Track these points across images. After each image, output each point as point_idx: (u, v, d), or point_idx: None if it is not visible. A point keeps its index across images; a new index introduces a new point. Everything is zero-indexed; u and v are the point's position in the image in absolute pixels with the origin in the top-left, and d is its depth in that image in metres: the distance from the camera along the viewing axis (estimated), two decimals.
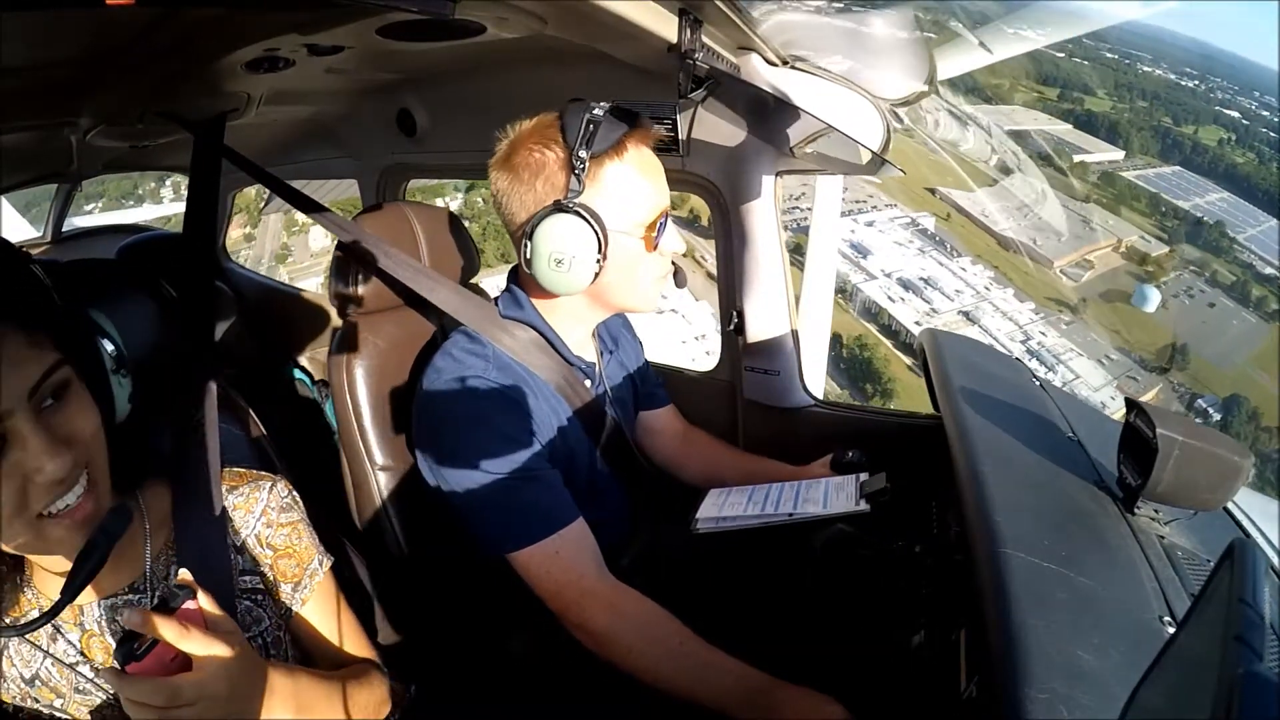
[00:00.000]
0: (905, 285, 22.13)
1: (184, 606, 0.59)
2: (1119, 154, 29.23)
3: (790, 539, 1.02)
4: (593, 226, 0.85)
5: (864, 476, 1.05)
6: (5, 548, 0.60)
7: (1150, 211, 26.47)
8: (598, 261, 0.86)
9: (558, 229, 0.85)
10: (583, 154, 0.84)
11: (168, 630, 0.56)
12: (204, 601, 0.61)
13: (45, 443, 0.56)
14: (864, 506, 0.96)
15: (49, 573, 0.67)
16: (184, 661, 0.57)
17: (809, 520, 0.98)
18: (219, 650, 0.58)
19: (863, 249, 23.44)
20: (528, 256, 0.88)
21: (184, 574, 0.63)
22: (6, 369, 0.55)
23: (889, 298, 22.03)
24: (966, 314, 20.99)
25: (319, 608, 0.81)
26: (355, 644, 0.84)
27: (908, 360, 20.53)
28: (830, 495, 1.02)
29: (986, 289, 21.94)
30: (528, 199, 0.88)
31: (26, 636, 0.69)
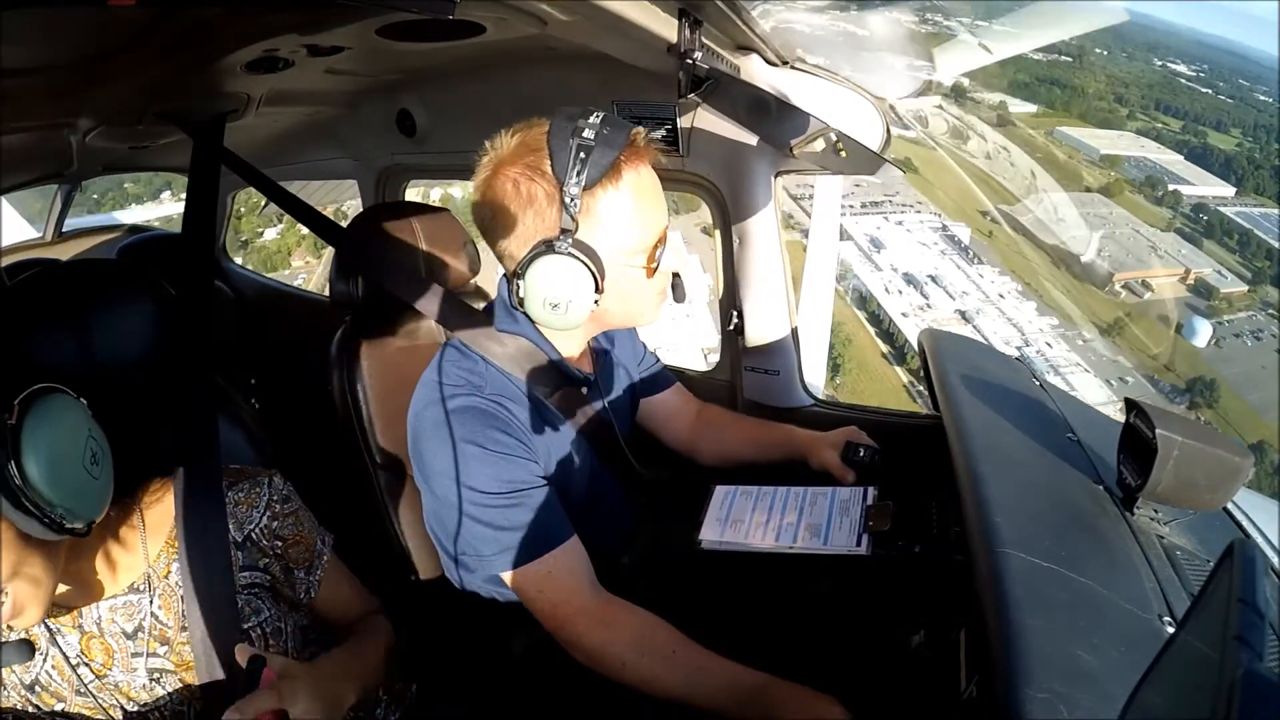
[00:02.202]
0: (909, 280, 21.99)
1: (265, 673, 0.64)
2: (1228, 190, 27.77)
3: (788, 567, 1.01)
4: (588, 266, 0.80)
5: (872, 497, 1.03)
6: None
7: (1239, 249, 25.21)
8: (595, 301, 0.82)
9: (550, 272, 0.80)
10: (574, 190, 0.78)
11: (267, 700, 0.62)
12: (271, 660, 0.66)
13: None
14: (863, 549, 0.94)
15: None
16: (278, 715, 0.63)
17: (808, 554, 0.97)
18: (305, 695, 0.65)
19: (879, 243, 23.25)
20: (520, 295, 0.83)
21: (243, 650, 0.66)
22: None
23: (885, 289, 21.78)
24: (963, 314, 20.77)
25: (331, 583, 0.85)
26: (362, 604, 0.90)
27: (885, 348, 20.31)
28: (834, 520, 1.00)
29: (1000, 296, 21.53)
30: (516, 233, 0.83)
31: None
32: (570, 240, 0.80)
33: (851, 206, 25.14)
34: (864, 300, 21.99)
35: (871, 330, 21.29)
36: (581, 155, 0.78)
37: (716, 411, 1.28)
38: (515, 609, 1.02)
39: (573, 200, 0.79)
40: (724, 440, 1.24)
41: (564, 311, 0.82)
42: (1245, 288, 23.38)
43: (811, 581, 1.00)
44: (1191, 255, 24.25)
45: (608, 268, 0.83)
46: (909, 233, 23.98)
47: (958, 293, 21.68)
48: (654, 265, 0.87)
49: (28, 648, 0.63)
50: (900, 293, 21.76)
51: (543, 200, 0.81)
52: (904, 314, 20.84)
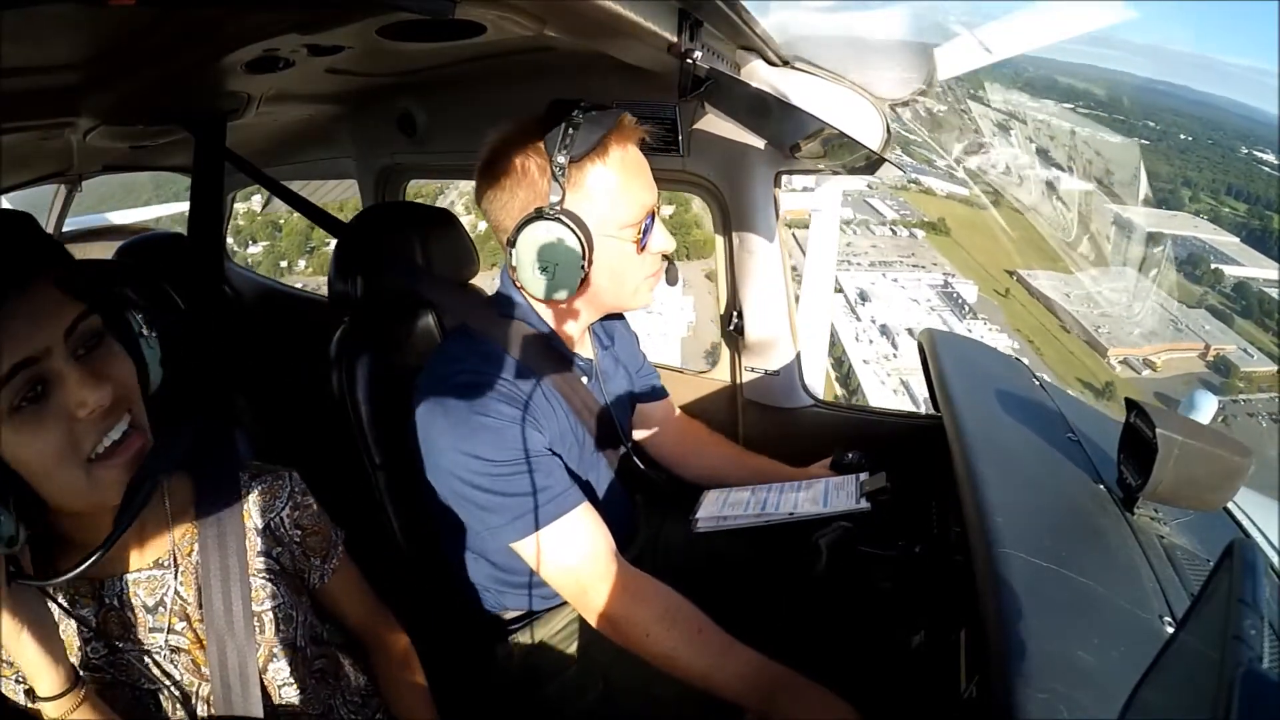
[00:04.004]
0: (884, 331, 21.91)
1: None
2: None
3: (791, 537, 1.02)
4: (575, 232, 0.84)
5: (864, 476, 1.05)
6: (59, 499, 0.62)
7: (1278, 329, 24.51)
8: (582, 267, 0.85)
9: (540, 237, 0.84)
10: (561, 160, 0.83)
11: None
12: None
13: (83, 376, 0.59)
14: (864, 505, 0.96)
15: (84, 539, 0.68)
16: None
17: (809, 519, 0.98)
18: None
19: (867, 296, 23.35)
20: (513, 264, 0.87)
21: None
22: (41, 315, 0.59)
23: (856, 337, 21.83)
24: None
25: (344, 572, 0.88)
26: (371, 600, 0.93)
27: (840, 390, 20.41)
28: (830, 494, 1.02)
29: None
30: (511, 207, 0.88)
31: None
32: (558, 208, 0.84)
33: (858, 264, 25.09)
34: (831, 346, 22.12)
35: (833, 374, 21.28)
36: (570, 131, 0.84)
37: (702, 430, 1.31)
38: (515, 608, 1.03)
39: (560, 169, 0.83)
40: (709, 459, 1.26)
41: (553, 276, 0.86)
42: (1274, 368, 22.49)
43: (808, 537, 1.00)
44: (1217, 332, 23.63)
45: (597, 240, 0.86)
46: (903, 289, 24.03)
47: None
48: (641, 239, 0.90)
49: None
50: (871, 342, 21.74)
51: (535, 173, 0.86)
52: (865, 360, 20.80)
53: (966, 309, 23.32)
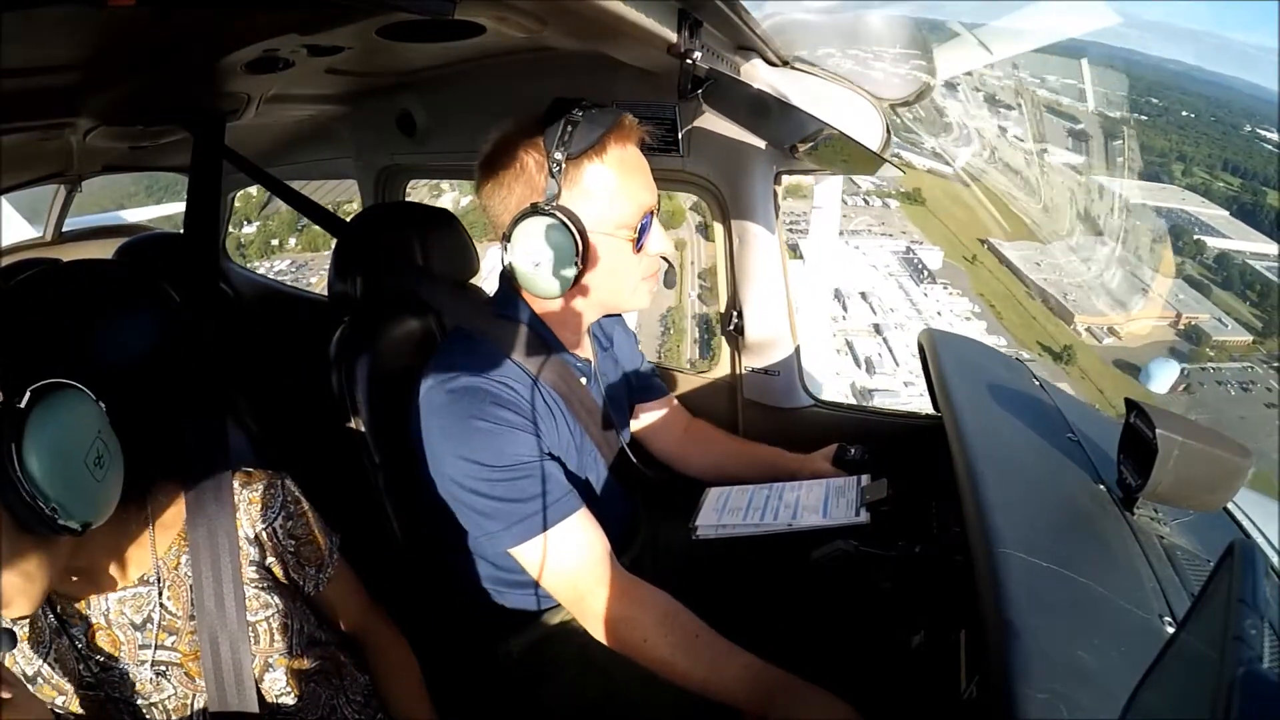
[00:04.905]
0: (835, 295, 21.70)
1: None
2: (1272, 248, 25.96)
3: (789, 547, 1.01)
4: (570, 229, 0.83)
5: (866, 480, 1.04)
6: None
7: (1259, 300, 23.76)
8: (576, 264, 0.85)
9: (534, 232, 0.84)
10: (559, 156, 0.83)
11: None
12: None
13: None
14: (863, 518, 0.95)
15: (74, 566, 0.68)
16: None
17: (808, 531, 0.97)
18: None
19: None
20: (509, 260, 0.87)
21: None
22: None
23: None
24: (877, 327, 20.40)
25: (340, 579, 0.88)
26: (366, 605, 0.93)
27: None
28: (831, 501, 1.02)
29: (938, 314, 21.09)
30: (509, 202, 0.88)
31: (29, 633, 0.70)
32: (554, 203, 0.84)
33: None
34: None
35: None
36: (569, 128, 0.84)
37: (706, 426, 1.30)
38: (515, 608, 1.03)
39: (558, 165, 0.83)
40: (713, 454, 1.26)
41: (546, 272, 0.85)
42: (1248, 338, 22.04)
43: (806, 552, 1.00)
44: (1191, 301, 23.15)
45: (594, 239, 0.86)
46: (864, 255, 23.98)
47: (884, 308, 21.35)
48: (638, 239, 0.90)
49: (9, 637, 0.59)
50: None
51: (532, 168, 0.86)
52: None
53: (926, 273, 23.24)
